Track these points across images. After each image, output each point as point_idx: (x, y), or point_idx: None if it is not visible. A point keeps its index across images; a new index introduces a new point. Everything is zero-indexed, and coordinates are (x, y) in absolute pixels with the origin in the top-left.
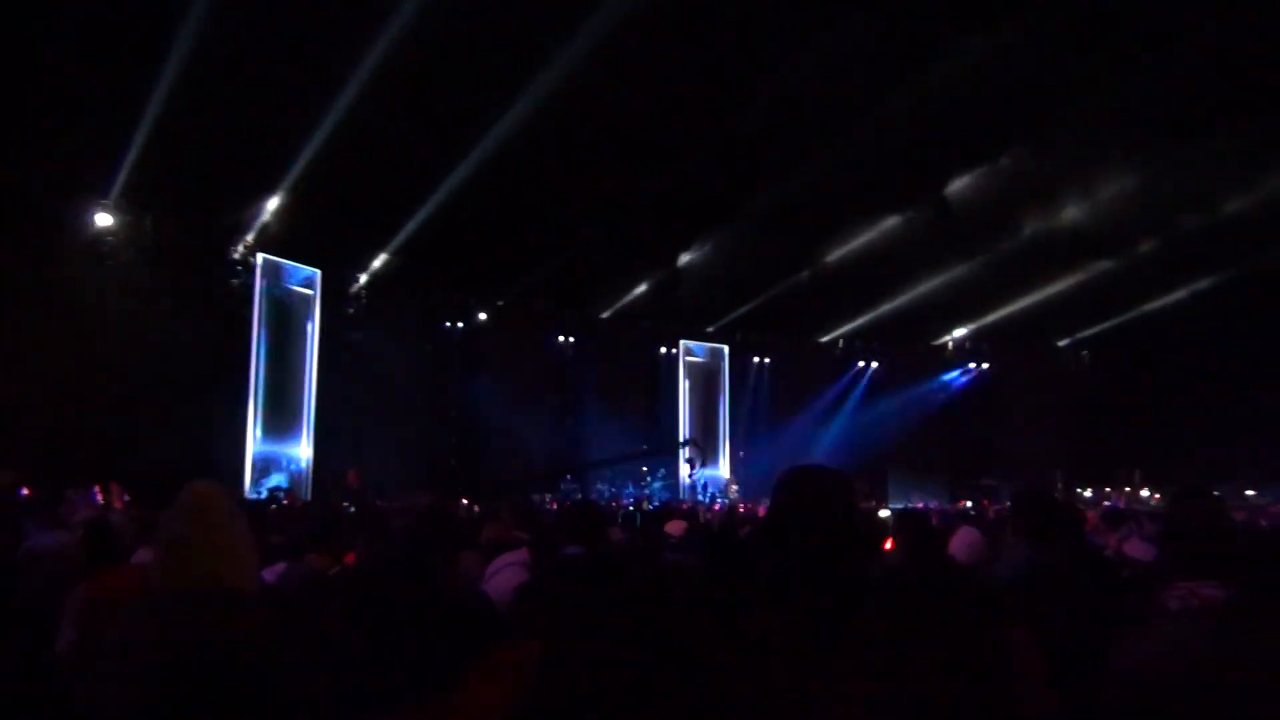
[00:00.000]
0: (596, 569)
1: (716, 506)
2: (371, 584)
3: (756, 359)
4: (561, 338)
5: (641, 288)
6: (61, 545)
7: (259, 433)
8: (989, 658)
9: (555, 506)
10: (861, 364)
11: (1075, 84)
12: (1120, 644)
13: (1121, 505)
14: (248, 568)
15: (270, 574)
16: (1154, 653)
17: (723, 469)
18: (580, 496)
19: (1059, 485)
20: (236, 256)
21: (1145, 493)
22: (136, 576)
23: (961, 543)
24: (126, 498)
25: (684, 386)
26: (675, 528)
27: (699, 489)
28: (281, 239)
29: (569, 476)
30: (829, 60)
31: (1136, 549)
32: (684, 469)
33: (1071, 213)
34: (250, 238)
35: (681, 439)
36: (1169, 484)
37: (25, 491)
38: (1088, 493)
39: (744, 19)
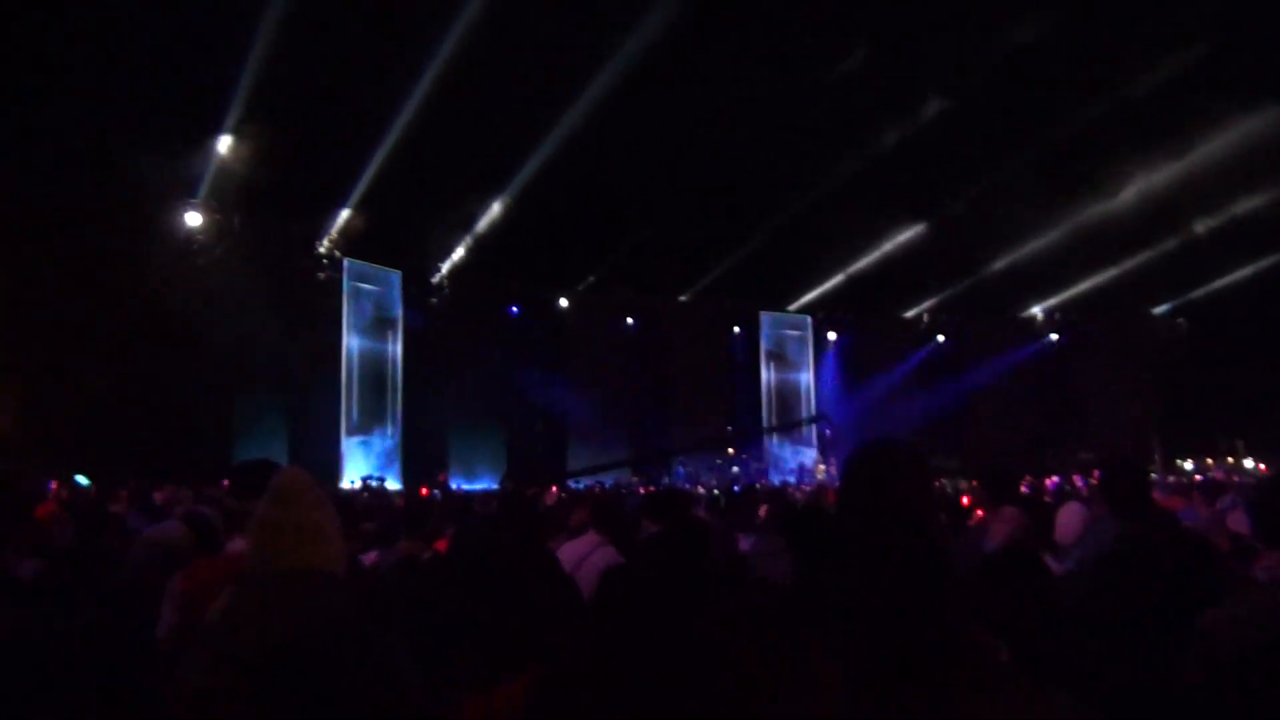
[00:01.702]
0: (677, 548)
1: (805, 487)
2: (461, 567)
3: (837, 335)
4: (641, 320)
5: (720, 269)
6: (168, 535)
7: (351, 424)
8: None
9: (641, 491)
10: (943, 338)
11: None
12: (1205, 617)
13: (1221, 477)
14: (336, 550)
15: (364, 561)
16: (1237, 624)
17: (807, 448)
18: (666, 481)
19: (1155, 457)
20: (322, 252)
21: (1249, 462)
22: (230, 565)
23: (1070, 519)
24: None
25: (766, 365)
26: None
27: (786, 470)
28: (363, 235)
29: (654, 460)
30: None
31: (1239, 522)
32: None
33: (1162, 177)
34: (334, 233)
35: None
36: (1275, 453)
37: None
38: (1188, 464)
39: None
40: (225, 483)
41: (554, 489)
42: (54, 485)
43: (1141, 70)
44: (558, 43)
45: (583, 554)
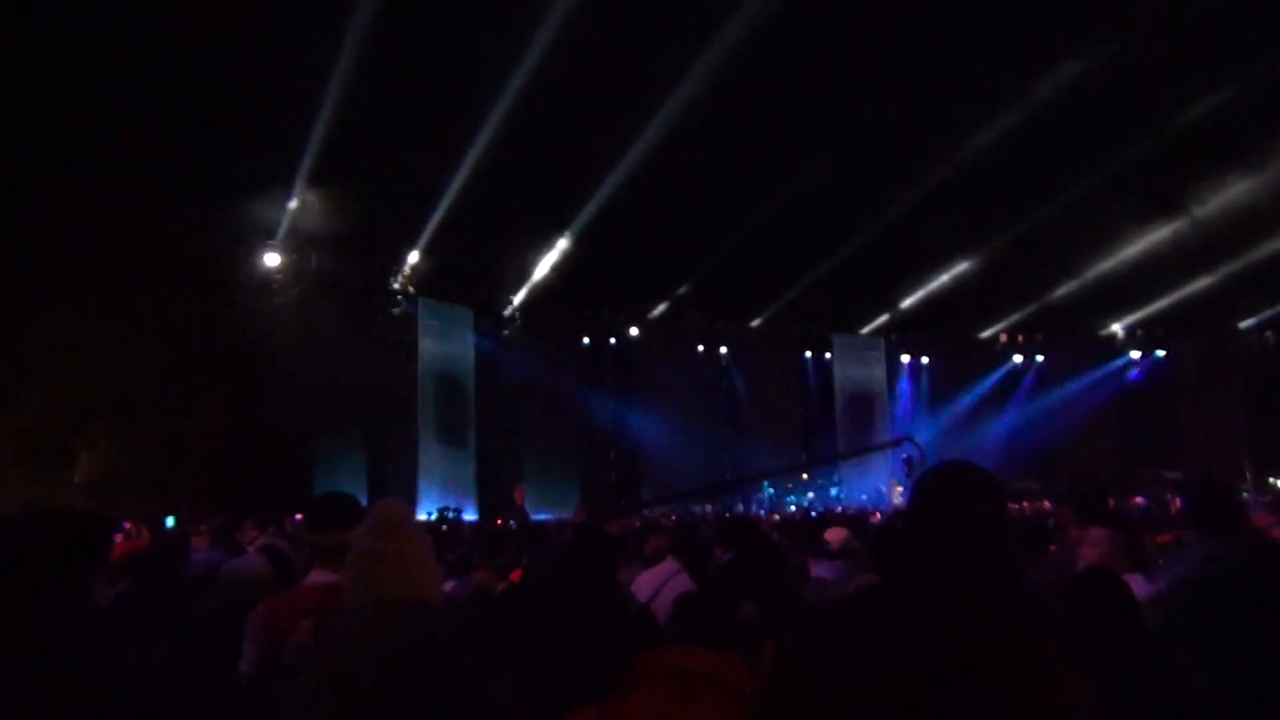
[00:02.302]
0: (749, 574)
1: (882, 510)
2: (535, 597)
3: (911, 357)
4: (713, 348)
5: (791, 294)
6: (248, 569)
7: (427, 457)
8: None
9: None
10: (1021, 358)
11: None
12: None
13: None
14: (433, 579)
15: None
16: None
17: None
18: (741, 508)
19: (1247, 476)
20: (396, 287)
21: None
22: (308, 597)
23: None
24: (298, 520)
25: (840, 389)
26: (835, 535)
27: (860, 494)
28: (435, 273)
29: (729, 488)
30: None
31: None
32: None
33: (1242, 189)
34: (406, 271)
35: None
36: None
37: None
38: (1279, 482)
39: (884, 23)
40: (299, 517)
41: (629, 518)
42: (128, 525)
43: (1219, 83)
44: (622, 74)
45: (659, 582)
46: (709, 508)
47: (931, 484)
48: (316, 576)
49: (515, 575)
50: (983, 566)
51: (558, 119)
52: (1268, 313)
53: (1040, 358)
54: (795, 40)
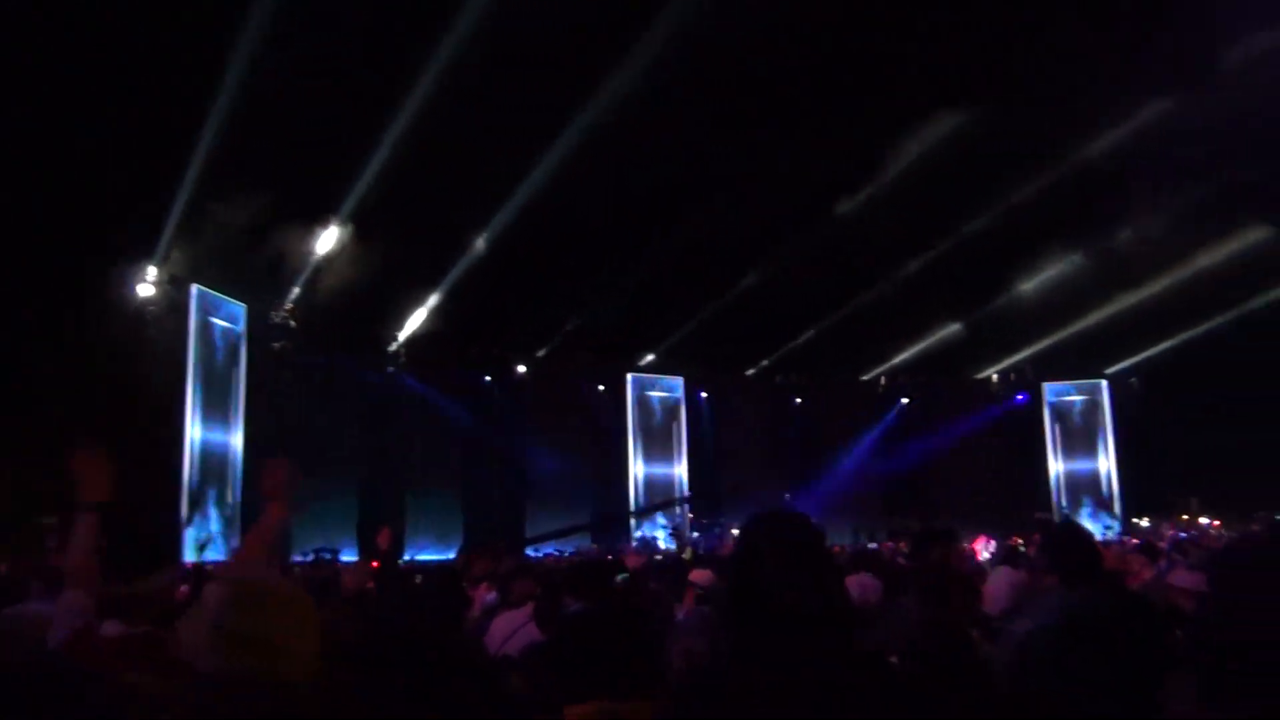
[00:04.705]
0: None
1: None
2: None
3: (797, 398)
4: (601, 386)
5: (680, 334)
6: (30, 616)
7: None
8: None
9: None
10: (903, 400)
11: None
12: None
13: (1175, 534)
14: (303, 657)
15: None
16: None
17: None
18: (632, 545)
19: (1116, 515)
20: (278, 321)
21: (1204, 520)
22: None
23: (999, 585)
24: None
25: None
26: (699, 576)
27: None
28: (321, 306)
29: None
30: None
31: (1184, 579)
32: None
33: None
34: (289, 305)
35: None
36: (1228, 510)
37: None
38: (1144, 522)
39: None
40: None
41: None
42: None
43: (1093, 136)
44: (513, 111)
45: (513, 628)
46: (595, 546)
47: (754, 530)
48: (112, 629)
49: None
50: (811, 620)
51: (445, 157)
52: (1132, 360)
53: (915, 400)
54: (692, 83)
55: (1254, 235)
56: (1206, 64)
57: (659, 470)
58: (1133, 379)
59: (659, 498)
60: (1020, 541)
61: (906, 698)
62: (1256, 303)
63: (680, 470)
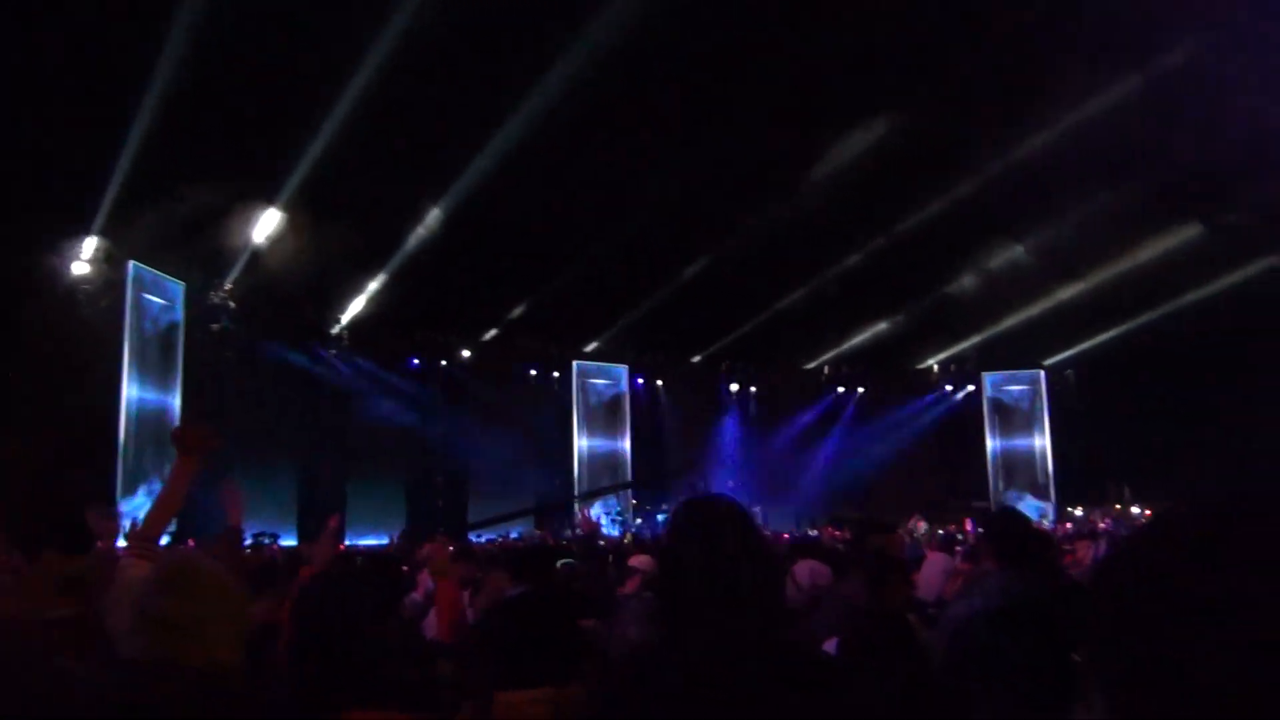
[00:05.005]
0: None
1: None
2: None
3: (740, 386)
4: (546, 372)
5: (626, 319)
6: None
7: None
8: None
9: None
10: (844, 389)
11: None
12: None
13: (1107, 525)
14: (234, 643)
15: None
16: None
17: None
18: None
19: (1051, 503)
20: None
21: (1136, 509)
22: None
23: (932, 572)
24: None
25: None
26: (639, 562)
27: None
28: (267, 282)
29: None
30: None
31: None
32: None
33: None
34: (228, 285)
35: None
36: (1159, 500)
37: None
38: (1078, 510)
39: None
40: None
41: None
42: None
43: (1031, 134)
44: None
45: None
46: (538, 532)
47: (684, 517)
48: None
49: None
50: (738, 605)
51: (387, 140)
52: (1070, 352)
53: (861, 390)
54: (638, 73)
55: (1186, 233)
56: (1139, 63)
57: (603, 444)
58: (1069, 370)
59: (604, 481)
60: (955, 529)
61: (828, 688)
62: (1190, 298)
63: (625, 444)
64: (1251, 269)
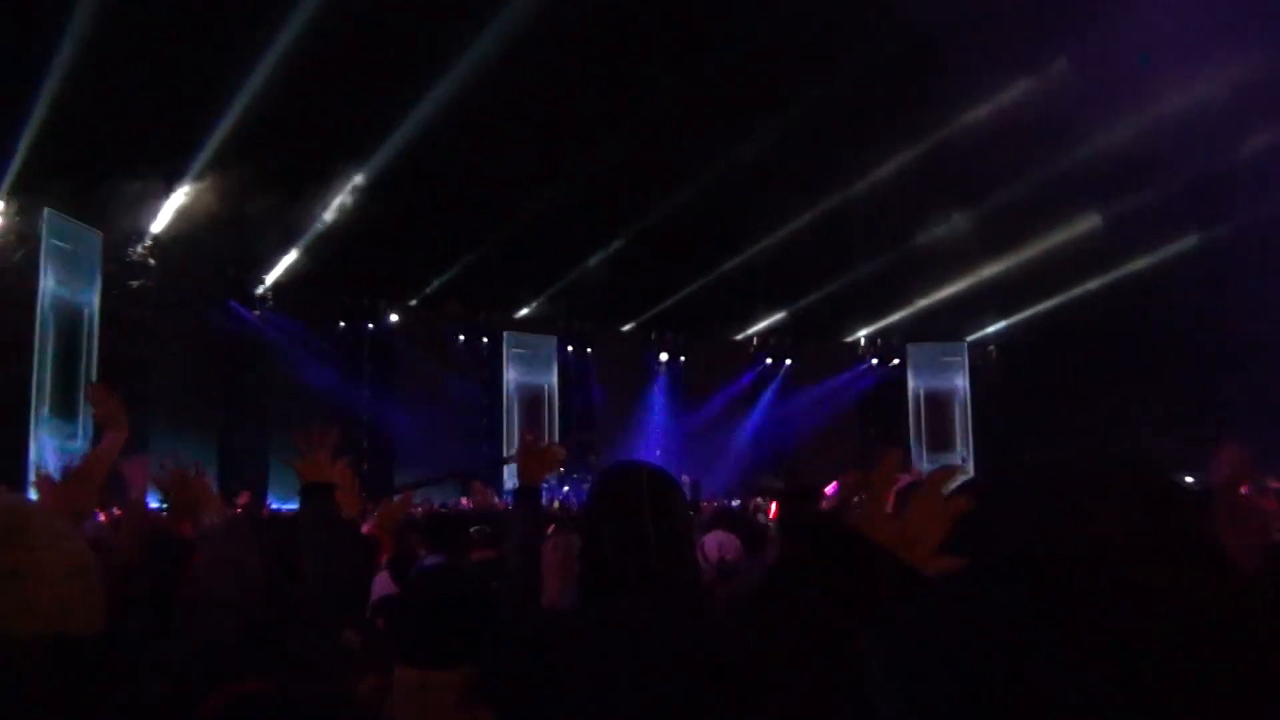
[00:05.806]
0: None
1: None
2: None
3: (668, 356)
4: (475, 337)
5: (557, 285)
6: None
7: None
8: None
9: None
10: (772, 361)
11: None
12: None
13: None
14: (77, 603)
15: None
16: None
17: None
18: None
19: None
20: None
21: None
22: None
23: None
24: None
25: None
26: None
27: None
28: (184, 237)
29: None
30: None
31: None
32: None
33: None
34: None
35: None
36: None
37: None
38: None
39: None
40: None
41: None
42: None
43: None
44: (393, 53)
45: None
46: (464, 500)
47: (598, 485)
48: None
49: None
50: (649, 570)
51: (315, 97)
52: (993, 328)
53: (789, 361)
54: (571, 37)
55: (1092, 220)
56: (1056, 53)
57: (530, 415)
58: (991, 347)
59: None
60: None
61: (733, 662)
62: (1106, 279)
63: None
64: (1154, 257)
